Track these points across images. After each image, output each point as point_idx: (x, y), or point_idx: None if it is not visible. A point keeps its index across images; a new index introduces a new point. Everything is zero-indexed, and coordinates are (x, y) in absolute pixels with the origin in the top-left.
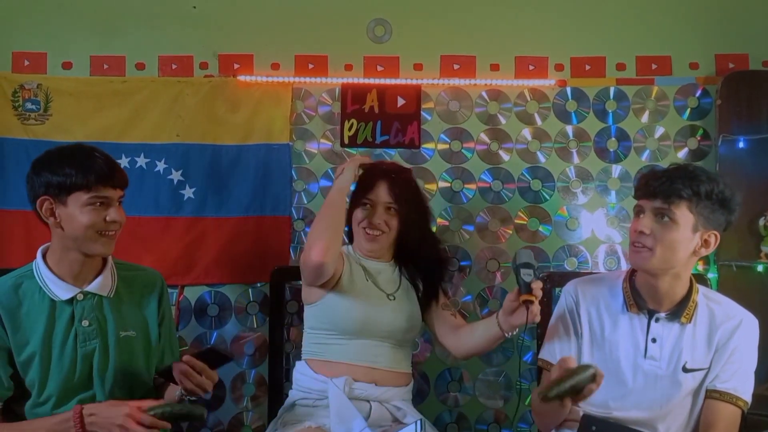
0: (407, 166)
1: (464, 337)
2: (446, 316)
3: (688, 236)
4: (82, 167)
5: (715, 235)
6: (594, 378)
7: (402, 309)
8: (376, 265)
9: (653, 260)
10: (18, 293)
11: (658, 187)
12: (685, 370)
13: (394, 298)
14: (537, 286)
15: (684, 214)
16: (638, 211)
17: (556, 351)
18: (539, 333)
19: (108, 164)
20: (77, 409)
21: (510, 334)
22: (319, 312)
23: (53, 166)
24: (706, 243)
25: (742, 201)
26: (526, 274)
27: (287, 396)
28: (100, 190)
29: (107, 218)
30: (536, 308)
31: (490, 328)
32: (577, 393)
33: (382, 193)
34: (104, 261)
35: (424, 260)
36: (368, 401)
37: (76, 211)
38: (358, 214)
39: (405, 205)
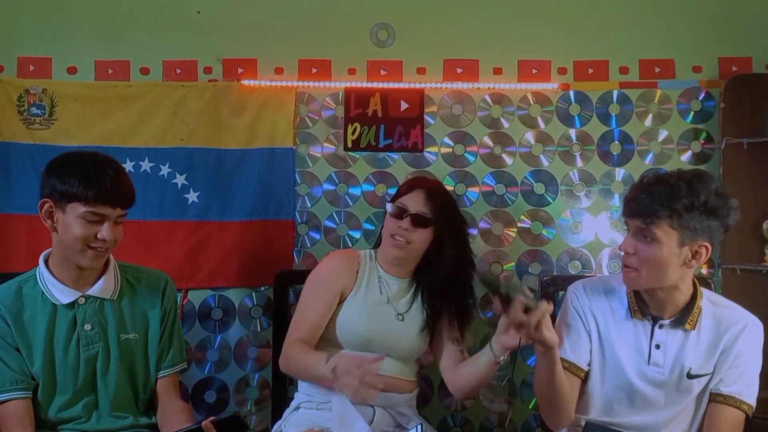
0: (411, 171)
1: (462, 370)
2: (453, 350)
3: (674, 252)
4: (86, 180)
5: (706, 247)
6: (527, 310)
7: (409, 330)
8: (394, 280)
9: (641, 280)
10: (21, 298)
11: (636, 207)
12: (690, 376)
13: (403, 319)
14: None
15: (665, 232)
16: (627, 228)
17: (566, 347)
18: None
19: (114, 182)
20: None
21: (502, 358)
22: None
23: (62, 172)
24: (696, 254)
25: (738, 205)
26: (527, 298)
27: (291, 399)
28: (97, 206)
29: (98, 235)
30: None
31: (483, 354)
32: (508, 300)
33: (415, 200)
34: (105, 264)
35: (451, 284)
36: (372, 406)
37: (71, 220)
38: (390, 219)
39: (440, 218)
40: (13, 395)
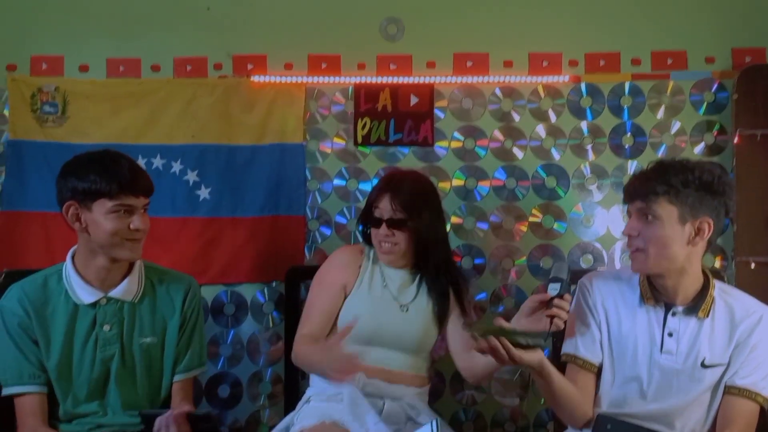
0: (421, 165)
1: (476, 356)
2: (465, 336)
3: (677, 229)
4: (106, 174)
5: (708, 223)
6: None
7: (415, 320)
8: (396, 272)
9: (649, 261)
10: (46, 292)
11: (635, 189)
12: (704, 366)
13: (407, 310)
14: (561, 303)
15: (665, 209)
16: (629, 216)
17: (578, 344)
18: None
19: (133, 172)
20: None
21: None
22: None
23: (79, 172)
24: (699, 231)
25: (734, 183)
26: (553, 289)
27: (303, 394)
28: (123, 198)
29: (131, 226)
30: (559, 323)
31: None
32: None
33: (385, 206)
34: (131, 265)
35: (437, 269)
36: (381, 398)
37: (101, 218)
38: (372, 229)
39: (411, 212)
40: (30, 389)
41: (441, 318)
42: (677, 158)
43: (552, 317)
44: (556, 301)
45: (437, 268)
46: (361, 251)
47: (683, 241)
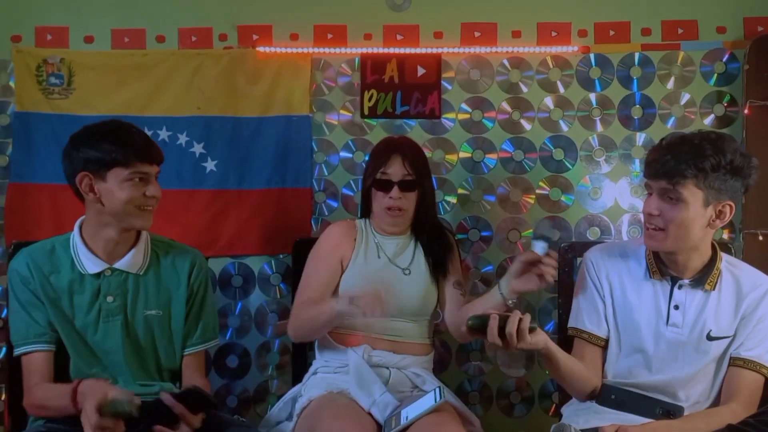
0: (428, 138)
1: (467, 311)
2: (455, 294)
3: (700, 212)
4: (120, 143)
5: (730, 206)
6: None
7: (417, 282)
8: (391, 240)
9: (667, 241)
10: (52, 258)
11: (661, 168)
12: (710, 338)
13: (410, 272)
14: (548, 261)
15: (691, 192)
16: (648, 191)
17: (584, 318)
18: (560, 302)
19: (145, 140)
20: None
21: (511, 301)
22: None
23: (92, 142)
24: (720, 214)
25: (758, 164)
26: (540, 247)
27: (311, 365)
28: (139, 166)
29: (147, 193)
30: (549, 279)
31: (491, 297)
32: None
33: (397, 169)
34: (137, 237)
35: (432, 231)
36: (387, 368)
37: (116, 187)
38: (377, 193)
39: (420, 173)
40: (37, 347)
41: (438, 277)
42: (705, 134)
43: (542, 275)
44: (545, 259)
45: (432, 229)
46: (353, 225)
47: (704, 223)
